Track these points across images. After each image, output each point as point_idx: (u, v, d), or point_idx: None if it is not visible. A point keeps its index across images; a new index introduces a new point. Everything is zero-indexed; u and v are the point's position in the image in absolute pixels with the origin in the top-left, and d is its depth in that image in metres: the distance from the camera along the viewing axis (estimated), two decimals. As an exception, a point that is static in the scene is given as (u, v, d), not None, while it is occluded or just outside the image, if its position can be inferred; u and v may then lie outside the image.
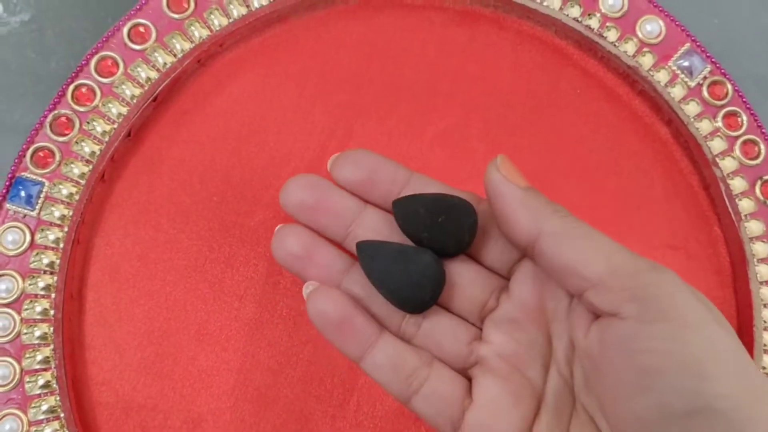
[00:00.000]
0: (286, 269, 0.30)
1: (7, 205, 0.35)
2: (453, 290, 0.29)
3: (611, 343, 0.23)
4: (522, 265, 0.28)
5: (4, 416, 0.33)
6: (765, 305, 0.37)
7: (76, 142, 0.36)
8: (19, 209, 0.35)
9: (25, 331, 0.34)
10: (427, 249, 0.28)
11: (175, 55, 0.37)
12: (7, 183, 0.35)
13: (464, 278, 0.29)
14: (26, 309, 0.34)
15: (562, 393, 0.26)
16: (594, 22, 0.39)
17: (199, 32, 0.38)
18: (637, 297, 0.23)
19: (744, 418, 0.21)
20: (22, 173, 0.36)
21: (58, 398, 0.34)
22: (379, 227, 0.29)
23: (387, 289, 0.27)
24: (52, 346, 0.34)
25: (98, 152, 0.36)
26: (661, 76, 0.39)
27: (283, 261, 0.29)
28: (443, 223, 0.27)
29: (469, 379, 0.28)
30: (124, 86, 0.37)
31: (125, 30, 0.37)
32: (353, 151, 0.30)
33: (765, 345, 0.36)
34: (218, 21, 0.38)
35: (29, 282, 0.35)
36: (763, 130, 0.39)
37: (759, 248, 0.38)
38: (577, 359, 0.26)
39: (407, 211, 0.28)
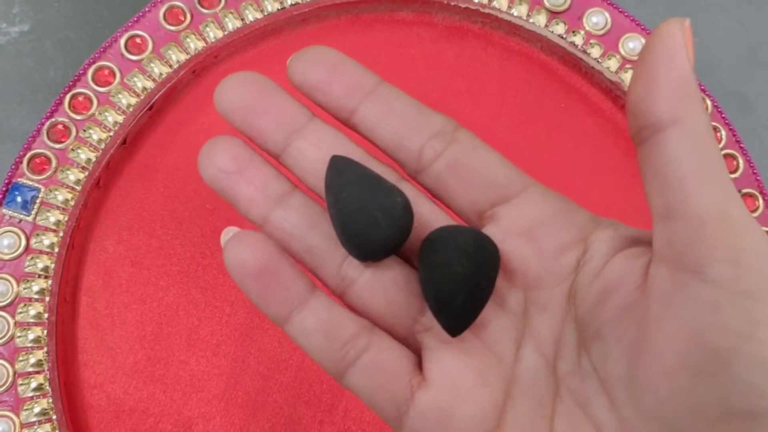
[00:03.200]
0: (213, 189, 0.24)
1: (3, 210, 0.36)
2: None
3: (681, 306, 0.19)
4: (499, 214, 0.23)
5: (-4, 418, 0.34)
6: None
7: (73, 150, 0.37)
8: (15, 214, 0.36)
9: (18, 334, 0.35)
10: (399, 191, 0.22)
11: (170, 66, 0.38)
12: (3, 188, 0.36)
13: (420, 217, 0.24)
14: (20, 312, 0.35)
15: (540, 374, 0.22)
16: (578, 39, 0.41)
17: (194, 44, 0.39)
18: (735, 260, 0.18)
19: None
20: (19, 179, 0.36)
21: (50, 401, 0.34)
22: (326, 141, 0.24)
23: (340, 218, 0.22)
24: (45, 349, 0.35)
25: (94, 159, 0.37)
26: (643, 92, 0.40)
27: (210, 179, 0.24)
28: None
29: (418, 352, 0.23)
30: (120, 95, 0.38)
31: (122, 41, 0.38)
32: (315, 48, 0.24)
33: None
34: (213, 33, 0.39)
35: (24, 286, 0.35)
36: (742, 145, 0.40)
37: (737, 259, 0.39)
38: (596, 331, 0.21)
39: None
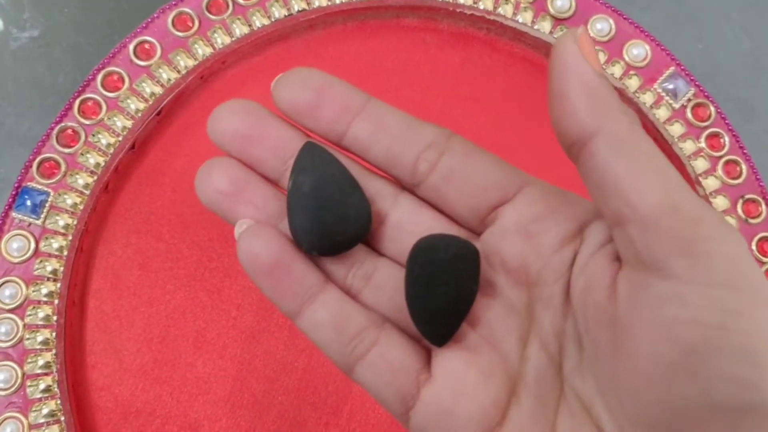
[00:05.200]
0: (213, 211, 0.24)
1: (13, 214, 0.36)
2: (409, 240, 0.23)
3: (647, 305, 0.18)
4: (500, 215, 0.23)
5: (5, 419, 0.34)
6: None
7: (82, 154, 0.37)
8: (25, 218, 0.36)
9: (27, 336, 0.35)
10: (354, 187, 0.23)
11: (179, 72, 0.39)
12: (13, 192, 0.37)
13: (421, 227, 0.23)
14: (29, 315, 0.35)
15: (546, 373, 0.22)
16: (582, 46, 0.41)
17: (202, 50, 0.39)
18: (691, 251, 0.17)
19: None
20: (29, 183, 0.37)
21: (58, 402, 0.35)
22: None
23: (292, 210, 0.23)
24: (53, 351, 0.35)
25: (103, 164, 0.37)
26: (647, 98, 0.41)
27: (208, 201, 0.23)
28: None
29: (428, 349, 0.23)
30: (129, 100, 0.38)
31: (131, 47, 0.39)
32: (298, 71, 0.23)
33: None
34: (221, 39, 0.39)
35: (33, 288, 0.36)
36: (745, 151, 0.40)
37: (741, 264, 0.39)
38: (584, 329, 0.21)
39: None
